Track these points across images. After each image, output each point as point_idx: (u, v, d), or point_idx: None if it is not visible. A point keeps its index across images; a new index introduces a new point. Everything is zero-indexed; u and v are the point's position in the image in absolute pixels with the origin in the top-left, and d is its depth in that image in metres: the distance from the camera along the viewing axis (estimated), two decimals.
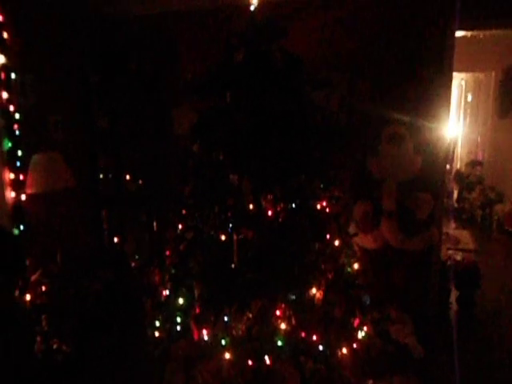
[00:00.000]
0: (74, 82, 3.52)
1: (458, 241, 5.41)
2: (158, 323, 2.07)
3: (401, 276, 3.45)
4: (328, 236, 2.08)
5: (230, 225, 1.89)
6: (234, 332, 1.93)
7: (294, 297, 1.91)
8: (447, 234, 5.49)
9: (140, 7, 3.63)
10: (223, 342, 1.93)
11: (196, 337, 1.99)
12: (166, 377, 2.45)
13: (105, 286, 3.21)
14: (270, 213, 1.90)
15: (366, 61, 3.47)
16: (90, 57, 3.58)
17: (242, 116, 1.90)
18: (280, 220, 1.91)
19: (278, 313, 1.91)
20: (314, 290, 1.98)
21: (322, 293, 1.99)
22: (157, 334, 2.07)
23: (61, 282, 2.96)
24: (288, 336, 1.91)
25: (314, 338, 1.97)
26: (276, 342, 1.88)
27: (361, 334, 2.23)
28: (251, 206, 1.90)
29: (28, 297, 2.83)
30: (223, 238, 1.92)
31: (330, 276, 2.04)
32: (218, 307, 1.91)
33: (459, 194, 6.75)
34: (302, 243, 1.92)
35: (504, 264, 4.67)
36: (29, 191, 2.88)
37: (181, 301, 1.98)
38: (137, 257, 3.65)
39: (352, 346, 2.14)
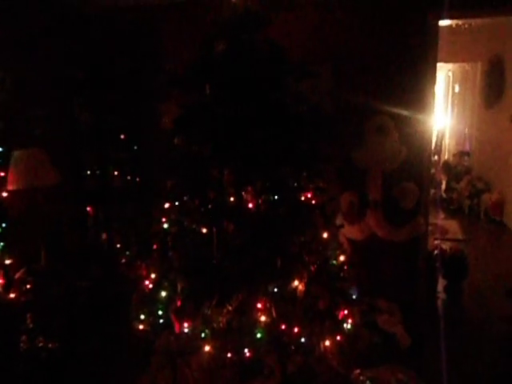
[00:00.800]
0: (56, 78, 3.47)
1: (446, 231, 5.45)
2: (142, 316, 2.05)
3: (388, 266, 3.47)
4: (312, 228, 2.07)
5: (211, 218, 1.88)
6: (214, 325, 1.92)
7: (275, 289, 1.89)
8: (435, 224, 5.52)
9: (123, 0, 3.57)
10: (203, 334, 1.92)
11: (177, 330, 1.98)
12: (151, 371, 2.44)
13: (91, 282, 3.19)
14: (250, 205, 1.89)
15: (351, 52, 3.46)
16: (72, 52, 3.52)
17: (223, 108, 1.88)
18: (260, 212, 1.90)
19: (258, 305, 1.90)
20: (296, 283, 1.97)
21: (304, 285, 1.97)
22: (141, 327, 2.05)
23: (45, 279, 2.93)
24: (268, 328, 1.90)
25: (296, 330, 1.96)
26: (255, 335, 1.87)
27: (346, 327, 2.21)
28: (232, 199, 1.88)
29: (12, 295, 2.79)
30: (204, 231, 1.90)
31: (312, 268, 2.02)
32: (198, 300, 1.90)
33: (447, 184, 6.80)
34: (284, 235, 1.91)
35: (491, 253, 4.72)
36: (10, 188, 2.83)
37: (163, 294, 1.97)
38: (126, 252, 3.62)
39: (336, 338, 2.12)
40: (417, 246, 3.52)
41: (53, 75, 3.46)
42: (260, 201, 1.92)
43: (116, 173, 3.66)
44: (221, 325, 1.91)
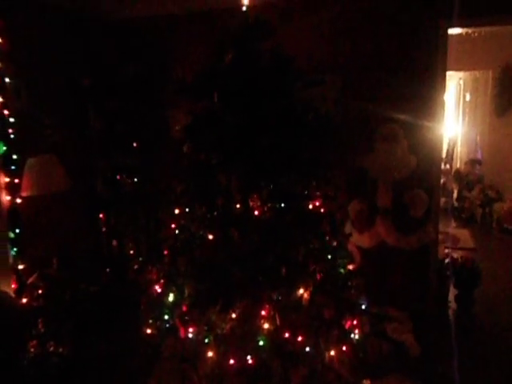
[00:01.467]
0: (67, 85, 3.54)
1: (457, 240, 5.39)
2: (150, 321, 2.07)
3: (398, 274, 3.45)
4: (319, 236, 2.07)
5: (218, 224, 1.90)
6: (218, 331, 1.93)
7: (279, 297, 1.89)
8: (447, 233, 5.47)
9: (133, 10, 3.65)
10: (206, 340, 1.93)
11: (182, 334, 1.99)
12: (158, 376, 2.45)
13: (101, 288, 3.22)
14: (256, 212, 1.90)
15: (360, 60, 3.48)
16: (85, 60, 3.60)
17: (230, 116, 1.90)
18: (266, 220, 1.91)
19: (262, 312, 1.90)
20: (301, 291, 1.96)
21: (309, 293, 1.97)
22: (149, 331, 2.07)
23: (57, 285, 2.97)
24: (271, 336, 1.89)
25: (300, 338, 1.94)
26: (258, 342, 1.87)
27: (353, 337, 2.18)
28: (238, 206, 1.90)
29: (24, 300, 2.84)
30: (210, 237, 1.92)
31: (318, 277, 2.01)
32: (202, 305, 1.91)
33: (459, 193, 6.74)
34: (289, 243, 1.91)
35: (503, 262, 4.65)
36: (24, 194, 2.89)
37: (170, 299, 1.99)
38: (137, 258, 3.65)
39: (341, 348, 2.09)
40: (427, 254, 3.49)
41: (66, 83, 3.54)
42: (266, 208, 1.93)
43: (127, 179, 3.71)
44: (224, 331, 1.91)
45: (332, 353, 2.05)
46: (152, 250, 3.25)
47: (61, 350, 2.76)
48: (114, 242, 3.70)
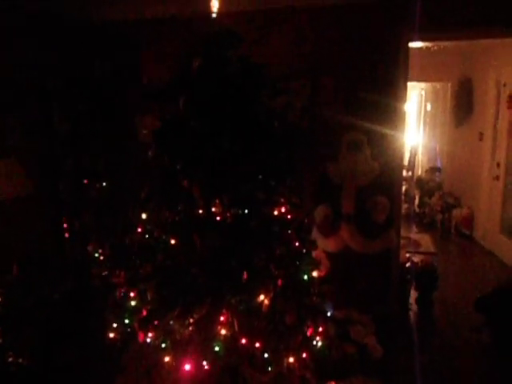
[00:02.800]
0: (31, 87, 3.45)
1: (418, 244, 5.59)
2: (114, 325, 2.04)
3: (362, 278, 3.54)
4: (281, 242, 2.08)
5: (179, 229, 1.91)
6: (177, 336, 1.94)
7: (239, 302, 1.90)
8: (409, 238, 5.67)
9: (103, 13, 3.61)
10: (163, 345, 1.94)
11: (141, 339, 1.99)
12: None
13: (65, 294, 3.14)
14: (218, 218, 1.92)
15: (326, 70, 3.58)
16: (50, 60, 3.52)
17: (194, 122, 1.92)
18: (227, 225, 1.93)
19: (221, 318, 1.92)
20: (261, 297, 1.96)
21: (269, 299, 1.99)
22: (112, 335, 2.04)
23: (17, 292, 2.87)
24: (227, 342, 1.91)
25: (257, 344, 1.95)
26: (213, 348, 1.88)
27: (315, 344, 2.18)
28: (201, 211, 1.92)
29: None
30: (172, 242, 1.93)
31: (279, 283, 2.02)
32: (161, 311, 1.91)
33: (420, 199, 7.00)
34: (249, 249, 1.93)
35: (461, 266, 4.87)
36: None
37: (132, 303, 1.98)
38: (102, 263, 3.58)
39: (302, 354, 2.10)
40: (389, 258, 3.61)
41: (29, 84, 3.44)
42: (228, 214, 1.95)
43: (92, 183, 3.64)
44: (182, 336, 1.92)
45: (291, 359, 2.06)
46: (116, 255, 3.19)
47: (20, 360, 2.67)
48: (78, 248, 3.61)
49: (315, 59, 3.58)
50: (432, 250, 5.41)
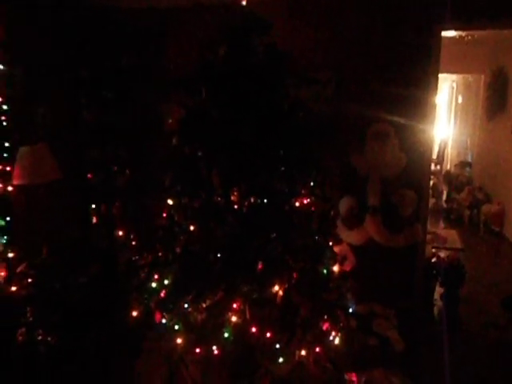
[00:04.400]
0: (61, 75, 3.53)
1: (445, 240, 5.46)
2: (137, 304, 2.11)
3: (386, 272, 3.50)
4: (301, 234, 2.06)
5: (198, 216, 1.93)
6: (191, 320, 1.97)
7: (253, 291, 1.91)
8: (435, 233, 5.54)
9: (129, 2, 3.64)
10: (176, 327, 1.97)
11: (157, 320, 2.04)
12: (147, 369, 2.47)
13: (92, 278, 3.22)
14: (236, 206, 1.93)
15: (354, 61, 3.51)
16: (78, 50, 3.59)
17: (218, 111, 1.92)
18: (244, 214, 1.93)
19: (234, 306, 1.92)
20: (276, 288, 1.96)
21: (283, 291, 1.97)
22: (135, 313, 2.11)
23: (46, 274, 2.97)
24: (237, 329, 1.92)
25: (268, 335, 1.95)
26: (223, 334, 1.90)
27: (330, 339, 2.16)
28: (219, 199, 1.93)
29: (13, 288, 2.84)
30: (192, 228, 1.95)
31: (295, 275, 2.00)
32: (178, 294, 1.94)
33: (448, 194, 6.83)
34: (266, 239, 1.92)
35: (489, 263, 4.74)
36: (15, 182, 2.89)
37: (153, 285, 2.03)
38: (128, 248, 3.66)
39: (314, 348, 2.09)
40: (414, 253, 3.55)
41: (59, 73, 3.52)
42: (246, 203, 1.95)
43: (119, 170, 3.71)
44: (196, 320, 1.96)
45: (303, 352, 2.05)
46: (143, 239, 3.27)
47: (49, 338, 2.77)
48: (105, 233, 3.70)
49: (342, 49, 3.51)
50: (459, 245, 5.26)
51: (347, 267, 2.95)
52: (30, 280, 2.89)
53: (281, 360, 2.03)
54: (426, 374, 2.79)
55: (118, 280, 3.37)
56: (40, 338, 2.74)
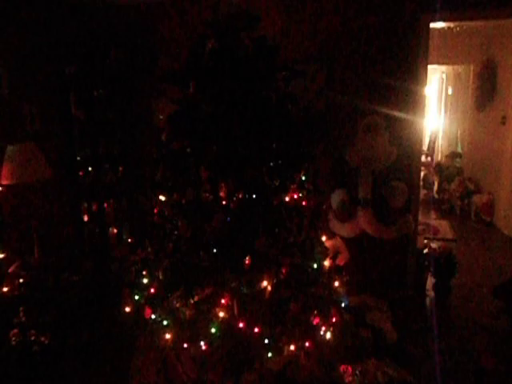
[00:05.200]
0: (49, 73, 3.49)
1: (437, 230, 5.51)
2: (127, 308, 2.10)
3: (378, 263, 3.52)
4: (289, 229, 2.05)
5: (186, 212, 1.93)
6: (180, 315, 1.98)
7: (241, 287, 1.91)
8: (427, 224, 5.59)
9: None
10: (165, 322, 1.98)
11: (147, 316, 2.05)
12: (138, 364, 2.47)
13: (83, 277, 3.21)
14: (224, 202, 1.92)
15: (344, 53, 3.50)
16: (65, 47, 3.54)
17: (205, 105, 1.91)
18: (232, 209, 1.92)
19: (222, 301, 1.93)
20: (264, 283, 1.96)
21: (272, 286, 1.96)
22: (127, 309, 2.11)
23: (38, 273, 2.95)
24: (225, 324, 1.92)
25: (256, 330, 1.95)
26: (210, 329, 1.90)
27: (321, 334, 2.15)
28: (207, 195, 1.93)
29: (5, 289, 2.82)
30: (180, 224, 1.95)
31: (283, 270, 2.00)
32: (167, 290, 1.95)
33: (439, 185, 6.88)
34: (253, 234, 1.92)
35: (480, 253, 4.79)
36: (4, 182, 2.86)
37: (145, 281, 2.03)
38: (119, 246, 3.65)
39: (304, 343, 2.09)
40: (406, 244, 3.58)
41: (48, 71, 3.48)
42: (235, 198, 1.94)
43: (110, 168, 3.69)
44: (185, 316, 1.96)
45: (292, 347, 2.06)
46: (136, 235, 3.26)
47: (42, 338, 2.76)
48: (96, 231, 3.68)
49: (330, 41, 3.50)
50: (450, 236, 5.32)
51: (341, 262, 2.96)
52: (21, 280, 2.88)
53: (270, 355, 2.04)
54: (419, 364, 2.82)
55: (110, 277, 3.36)
56: (33, 338, 2.73)
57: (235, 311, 1.99)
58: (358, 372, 2.54)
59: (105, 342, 2.97)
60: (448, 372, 2.74)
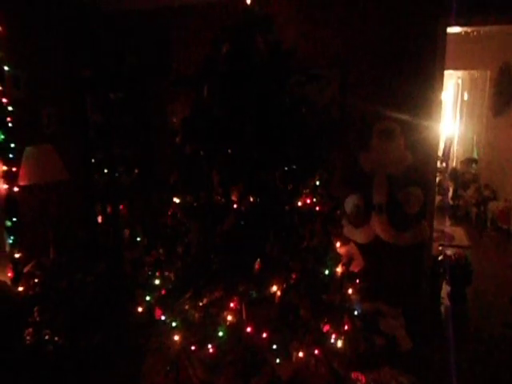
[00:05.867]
0: (67, 76, 3.54)
1: (452, 237, 5.44)
2: (140, 308, 2.12)
3: (392, 270, 3.48)
4: (301, 235, 2.03)
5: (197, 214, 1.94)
6: (189, 317, 1.98)
7: (251, 291, 1.89)
8: (442, 230, 5.52)
9: (133, 1, 3.64)
10: (174, 324, 1.99)
11: (157, 317, 2.06)
12: (150, 366, 2.48)
13: (97, 278, 3.24)
14: (235, 206, 1.92)
15: (359, 58, 3.49)
16: (82, 51, 3.60)
17: (218, 109, 1.92)
18: (242, 213, 1.92)
19: (231, 305, 1.92)
20: (274, 288, 1.94)
21: (281, 291, 1.95)
22: (140, 309, 2.13)
23: (53, 273, 2.98)
24: (233, 328, 1.91)
25: (264, 335, 1.93)
26: (217, 332, 1.90)
27: (332, 342, 2.11)
28: (219, 198, 1.93)
29: (20, 288, 2.85)
30: (193, 226, 1.96)
31: (294, 276, 1.98)
32: (177, 291, 1.96)
33: (454, 191, 6.78)
34: (265, 239, 1.91)
35: (496, 260, 4.70)
36: (21, 183, 2.90)
37: (156, 282, 2.05)
38: (134, 248, 3.67)
39: (313, 350, 2.06)
40: (421, 251, 3.53)
41: (66, 74, 3.54)
42: (247, 202, 1.94)
43: (125, 170, 3.72)
44: (194, 318, 1.96)
45: (301, 354, 2.03)
46: (150, 237, 3.28)
47: (56, 338, 2.78)
48: (111, 232, 3.71)
49: (347, 47, 3.50)
50: (466, 243, 5.25)
51: (355, 268, 2.92)
52: (36, 280, 2.91)
53: (278, 361, 2.02)
54: (433, 373, 2.77)
55: (124, 279, 3.38)
56: (47, 337, 2.75)
57: (243, 315, 1.98)
58: (371, 380, 2.51)
59: (117, 343, 2.98)
60: (463, 381, 2.69)
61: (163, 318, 2.06)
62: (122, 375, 2.74)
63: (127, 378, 2.69)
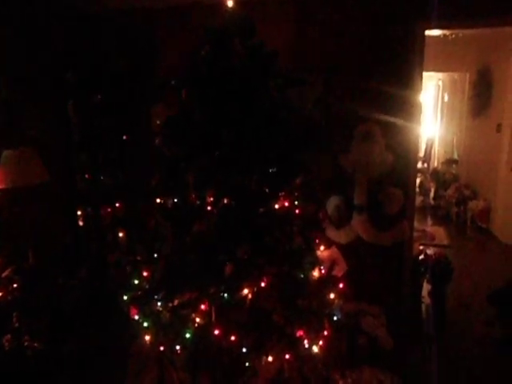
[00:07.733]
0: (49, 79, 3.49)
1: (433, 237, 5.53)
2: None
3: (373, 270, 3.52)
4: (276, 238, 2.02)
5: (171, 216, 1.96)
6: (161, 318, 2.00)
7: (221, 293, 1.90)
8: (423, 230, 5.61)
9: (116, 3, 3.61)
10: (145, 323, 2.01)
11: (132, 315, 2.08)
12: (136, 371, 2.46)
13: (79, 282, 3.20)
14: (209, 208, 1.93)
15: (340, 60, 3.52)
16: (64, 54, 3.55)
17: (198, 111, 1.92)
18: (215, 216, 1.93)
19: (202, 306, 1.93)
20: (245, 291, 1.94)
21: (252, 294, 1.94)
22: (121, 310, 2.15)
23: (32, 278, 2.94)
24: (200, 330, 1.93)
25: (232, 338, 1.93)
26: (184, 333, 1.91)
27: (306, 347, 2.07)
28: (194, 201, 1.95)
29: None
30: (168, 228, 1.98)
31: (265, 279, 1.96)
32: (151, 292, 1.99)
33: (435, 191, 6.90)
34: (237, 241, 1.91)
35: (475, 259, 4.80)
36: (0, 186, 2.85)
37: (136, 282, 2.06)
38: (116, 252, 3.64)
39: (283, 355, 2.04)
40: (402, 250, 3.58)
41: (47, 77, 3.49)
42: (220, 205, 1.95)
43: (107, 173, 3.69)
44: (164, 319, 1.99)
45: (270, 358, 2.02)
46: (132, 239, 3.26)
47: (36, 344, 2.74)
48: (92, 235, 3.67)
49: (326, 50, 3.52)
50: (446, 242, 5.34)
51: (338, 272, 2.92)
52: (15, 285, 2.86)
53: (247, 364, 2.02)
54: (414, 371, 2.81)
55: (107, 282, 3.35)
56: (26, 343, 2.71)
57: (212, 318, 1.99)
58: (352, 379, 2.54)
59: (100, 347, 2.95)
60: (443, 380, 2.73)
61: (136, 317, 2.07)
62: (105, 379, 2.71)
63: (111, 382, 2.66)
